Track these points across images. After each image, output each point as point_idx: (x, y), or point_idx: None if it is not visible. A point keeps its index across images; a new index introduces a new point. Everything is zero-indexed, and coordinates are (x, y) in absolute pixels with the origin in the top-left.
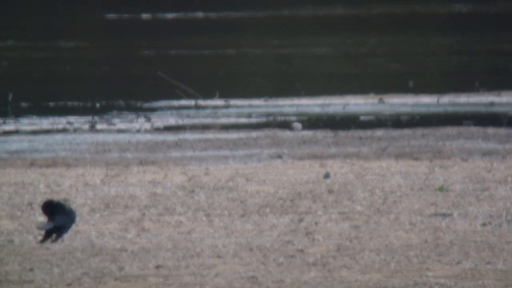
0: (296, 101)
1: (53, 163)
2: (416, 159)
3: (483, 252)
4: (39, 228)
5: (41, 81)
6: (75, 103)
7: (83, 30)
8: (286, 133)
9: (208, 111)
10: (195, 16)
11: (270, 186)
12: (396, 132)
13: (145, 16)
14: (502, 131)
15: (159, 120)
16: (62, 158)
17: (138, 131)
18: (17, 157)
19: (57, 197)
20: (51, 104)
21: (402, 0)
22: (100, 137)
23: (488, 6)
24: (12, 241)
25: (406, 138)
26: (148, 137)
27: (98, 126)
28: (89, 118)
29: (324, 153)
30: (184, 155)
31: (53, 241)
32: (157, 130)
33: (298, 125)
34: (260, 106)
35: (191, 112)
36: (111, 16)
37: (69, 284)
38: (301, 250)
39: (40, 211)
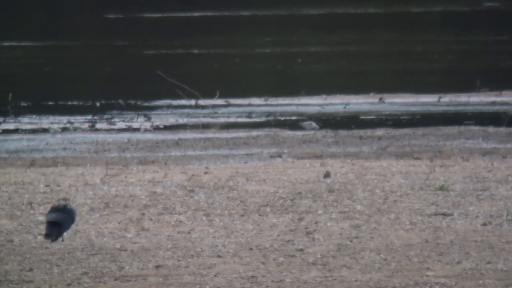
0: (296, 100)
1: (53, 162)
2: (416, 158)
3: (483, 251)
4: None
5: (41, 80)
6: (75, 103)
7: (83, 30)
8: (286, 133)
9: (208, 110)
10: (194, 15)
11: (270, 185)
12: (396, 132)
13: (144, 15)
14: (503, 130)
15: (159, 120)
16: (62, 157)
17: (138, 130)
18: (17, 156)
19: (56, 197)
20: (51, 103)
21: None
22: (100, 136)
23: (491, 4)
24: (11, 241)
25: (406, 138)
26: (148, 136)
27: (98, 126)
28: (89, 117)
29: (325, 152)
30: (184, 155)
31: (52, 241)
32: (157, 129)
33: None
34: (260, 105)
35: (191, 111)
36: (111, 15)
37: (68, 284)
38: (301, 250)
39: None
